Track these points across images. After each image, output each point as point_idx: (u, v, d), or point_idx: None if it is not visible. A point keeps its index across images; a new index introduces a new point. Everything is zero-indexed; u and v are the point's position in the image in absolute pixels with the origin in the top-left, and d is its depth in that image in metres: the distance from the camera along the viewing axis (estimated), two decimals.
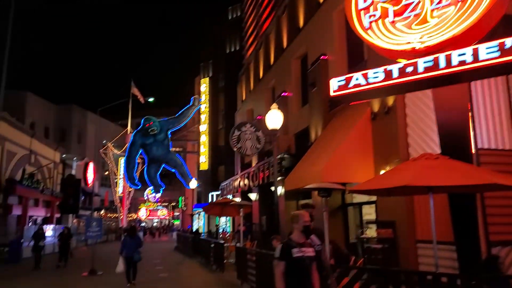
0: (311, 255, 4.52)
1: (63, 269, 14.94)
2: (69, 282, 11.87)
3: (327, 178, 10.20)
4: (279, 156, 14.94)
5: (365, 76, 7.29)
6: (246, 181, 19.56)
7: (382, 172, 9.78)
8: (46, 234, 23.51)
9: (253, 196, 21.54)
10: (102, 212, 52.89)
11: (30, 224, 27.56)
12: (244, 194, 21.85)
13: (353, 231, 12.69)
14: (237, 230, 18.92)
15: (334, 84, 7.90)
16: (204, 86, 40.42)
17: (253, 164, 21.62)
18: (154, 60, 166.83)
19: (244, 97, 27.57)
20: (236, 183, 21.96)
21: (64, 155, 40.38)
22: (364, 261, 9.34)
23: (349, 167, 10.69)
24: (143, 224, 59.05)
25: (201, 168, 37.72)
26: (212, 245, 15.07)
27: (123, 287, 10.65)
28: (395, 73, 7.00)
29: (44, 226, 23.38)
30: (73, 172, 39.39)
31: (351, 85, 7.58)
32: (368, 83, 7.28)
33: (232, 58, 37.24)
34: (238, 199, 20.47)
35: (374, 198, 11.89)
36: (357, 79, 7.43)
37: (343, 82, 7.73)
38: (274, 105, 10.39)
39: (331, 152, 11.12)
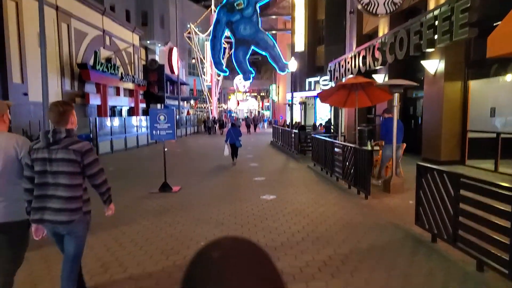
0: None
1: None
2: (133, 200, 7.96)
3: None
4: (462, 1, 8.46)
5: None
6: (378, 55, 13.48)
7: None
8: (135, 124, 20.73)
9: (379, 78, 15.57)
10: (192, 102, 51.19)
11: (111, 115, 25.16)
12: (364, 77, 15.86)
13: None
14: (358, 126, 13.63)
15: None
16: None
17: (381, 33, 15.18)
18: None
19: None
20: (355, 61, 15.96)
21: (148, 41, 37.01)
22: None
23: None
24: (233, 114, 56.97)
25: (296, 50, 31.64)
26: (339, 149, 9.40)
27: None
28: None
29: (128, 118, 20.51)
30: (157, 58, 36.15)
31: None
32: None
33: None
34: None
35: None
36: None
37: None
38: None
39: None
